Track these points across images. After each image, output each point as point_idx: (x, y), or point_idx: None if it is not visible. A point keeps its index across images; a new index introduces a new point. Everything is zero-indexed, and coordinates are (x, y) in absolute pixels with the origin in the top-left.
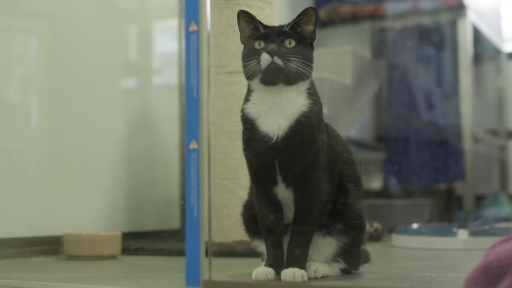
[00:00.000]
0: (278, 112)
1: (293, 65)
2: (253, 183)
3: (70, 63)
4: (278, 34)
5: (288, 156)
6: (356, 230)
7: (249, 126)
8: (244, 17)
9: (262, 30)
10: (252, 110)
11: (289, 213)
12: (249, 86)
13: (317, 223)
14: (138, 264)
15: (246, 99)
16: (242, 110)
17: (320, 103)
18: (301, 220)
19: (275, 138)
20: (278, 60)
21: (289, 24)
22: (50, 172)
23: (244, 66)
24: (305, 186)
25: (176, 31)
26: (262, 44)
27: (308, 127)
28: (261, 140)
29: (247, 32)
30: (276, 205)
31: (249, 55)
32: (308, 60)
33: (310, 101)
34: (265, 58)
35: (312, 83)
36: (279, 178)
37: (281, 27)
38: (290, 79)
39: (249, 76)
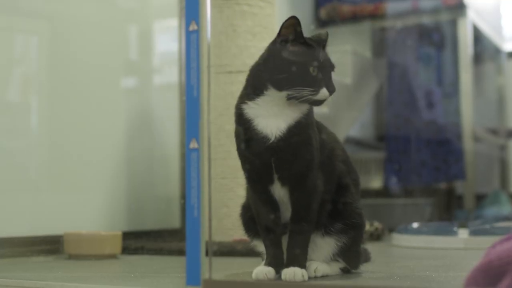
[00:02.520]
0: (279, 114)
1: None
2: (248, 182)
3: (70, 63)
4: (331, 66)
5: (285, 155)
6: (355, 229)
7: (247, 125)
8: (298, 25)
9: (317, 54)
10: (253, 111)
11: (286, 212)
12: (258, 87)
13: (315, 221)
14: (139, 263)
15: (248, 99)
16: (241, 109)
17: None
18: (299, 219)
19: (273, 138)
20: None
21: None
22: (50, 172)
23: (290, 84)
24: (301, 185)
25: (176, 30)
26: (318, 73)
27: (305, 127)
28: (259, 140)
29: (298, 49)
30: (272, 204)
31: (304, 80)
32: None
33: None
34: (324, 94)
35: None
36: (275, 176)
37: (329, 58)
38: None
39: (292, 96)
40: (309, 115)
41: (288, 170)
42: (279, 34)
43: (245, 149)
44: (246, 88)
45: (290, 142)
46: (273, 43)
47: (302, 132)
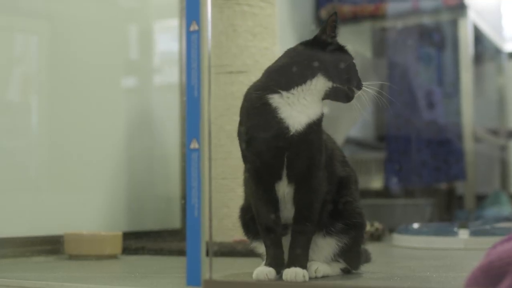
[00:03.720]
0: (305, 109)
1: None
2: (253, 178)
3: (70, 63)
4: None
5: (299, 151)
6: (356, 229)
7: (271, 115)
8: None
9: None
10: (283, 100)
11: (285, 211)
12: (302, 76)
13: (317, 222)
14: (139, 263)
15: (282, 88)
16: (266, 98)
17: None
18: (303, 219)
19: (293, 131)
20: None
21: None
22: (51, 172)
23: (341, 77)
24: (308, 183)
25: (177, 30)
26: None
27: (319, 126)
28: (279, 130)
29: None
30: (274, 203)
31: (352, 76)
32: None
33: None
34: (357, 92)
35: None
36: (284, 172)
37: None
38: None
39: (336, 89)
40: (323, 115)
41: (299, 167)
42: (324, 29)
43: (261, 141)
44: (273, 78)
45: (306, 139)
46: (320, 36)
47: (317, 130)
